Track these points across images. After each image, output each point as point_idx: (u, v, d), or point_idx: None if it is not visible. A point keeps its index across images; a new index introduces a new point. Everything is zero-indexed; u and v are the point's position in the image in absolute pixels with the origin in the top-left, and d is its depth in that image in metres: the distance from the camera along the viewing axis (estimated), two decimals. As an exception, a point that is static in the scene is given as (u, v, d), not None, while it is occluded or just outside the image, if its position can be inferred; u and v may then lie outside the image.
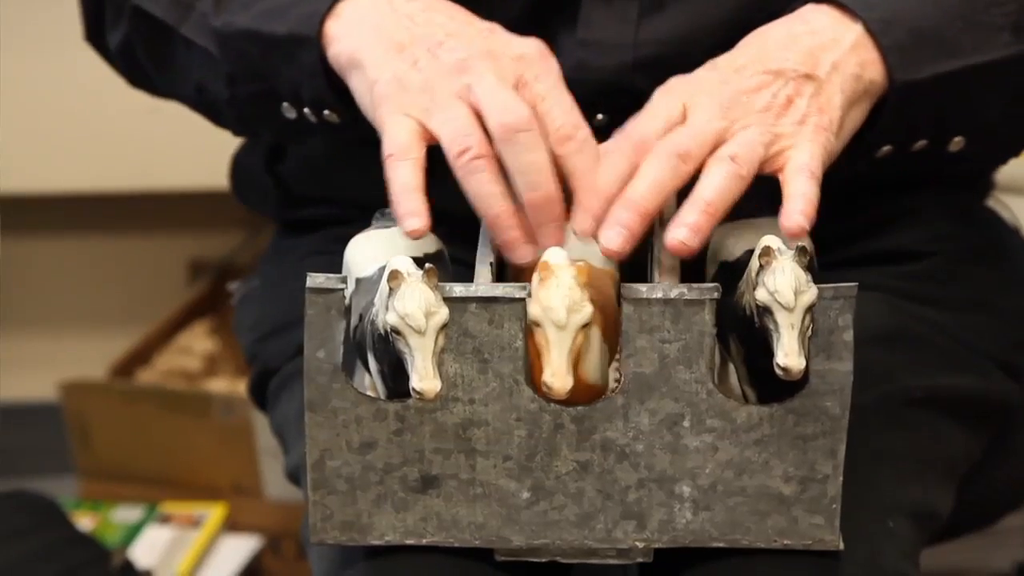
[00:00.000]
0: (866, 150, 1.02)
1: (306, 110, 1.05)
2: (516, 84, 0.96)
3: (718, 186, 0.93)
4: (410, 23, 1.00)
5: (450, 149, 0.93)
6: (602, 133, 1.09)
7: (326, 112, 1.04)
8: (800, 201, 0.92)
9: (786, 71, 0.97)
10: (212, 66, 1.09)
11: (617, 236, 0.92)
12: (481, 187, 0.93)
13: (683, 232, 0.91)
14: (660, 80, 1.02)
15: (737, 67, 0.98)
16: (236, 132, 1.22)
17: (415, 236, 0.92)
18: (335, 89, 1.02)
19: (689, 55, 1.03)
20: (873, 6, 1.00)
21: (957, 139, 1.04)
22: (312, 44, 1.01)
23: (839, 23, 1.00)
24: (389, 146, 0.95)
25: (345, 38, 1.00)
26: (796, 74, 0.97)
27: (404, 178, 0.93)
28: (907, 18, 1.00)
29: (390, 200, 0.94)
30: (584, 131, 0.95)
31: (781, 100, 0.96)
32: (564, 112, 0.95)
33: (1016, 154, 1.22)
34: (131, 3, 1.13)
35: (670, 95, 0.98)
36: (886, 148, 1.02)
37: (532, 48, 0.98)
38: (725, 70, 0.98)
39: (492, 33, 1.00)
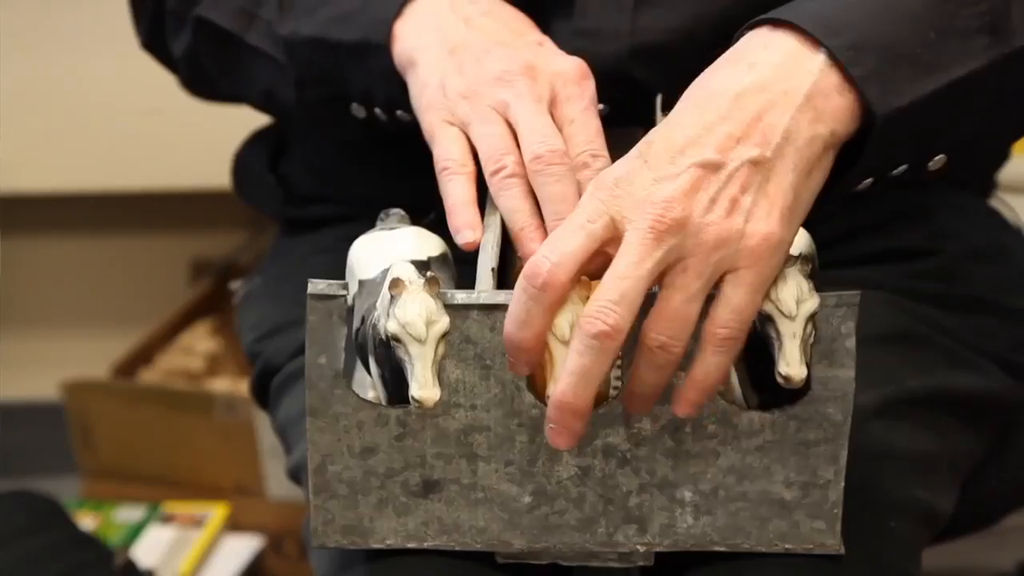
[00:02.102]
0: (844, 187, 0.94)
1: (377, 110, 1.07)
2: (551, 101, 0.97)
3: (646, 381, 0.86)
4: (465, 27, 1.01)
5: (486, 164, 0.95)
6: (603, 123, 1.08)
7: (399, 112, 1.06)
8: (694, 391, 0.85)
9: (728, 163, 0.85)
10: (279, 72, 1.10)
11: (560, 437, 0.85)
12: (510, 202, 0.94)
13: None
14: (659, 69, 1.02)
15: (673, 153, 0.86)
16: (304, 131, 1.23)
17: (469, 248, 0.94)
18: (406, 90, 1.03)
19: (688, 43, 1.03)
20: (837, 30, 0.89)
21: (938, 157, 0.96)
22: (383, 51, 1.03)
23: (796, 58, 0.89)
24: (443, 159, 0.97)
25: (407, 38, 1.02)
26: (740, 163, 0.85)
27: (459, 192, 0.96)
28: (876, 38, 0.90)
29: (445, 211, 0.96)
30: (602, 160, 0.95)
31: (724, 206, 0.85)
32: (587, 139, 0.96)
33: (998, 162, 1.22)
34: (194, 13, 1.15)
35: (595, 204, 0.86)
36: (866, 182, 0.95)
37: (572, 67, 0.99)
38: (659, 160, 0.86)
39: (540, 47, 1.01)
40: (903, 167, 0.95)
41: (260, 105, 1.19)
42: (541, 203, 0.94)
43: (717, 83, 0.89)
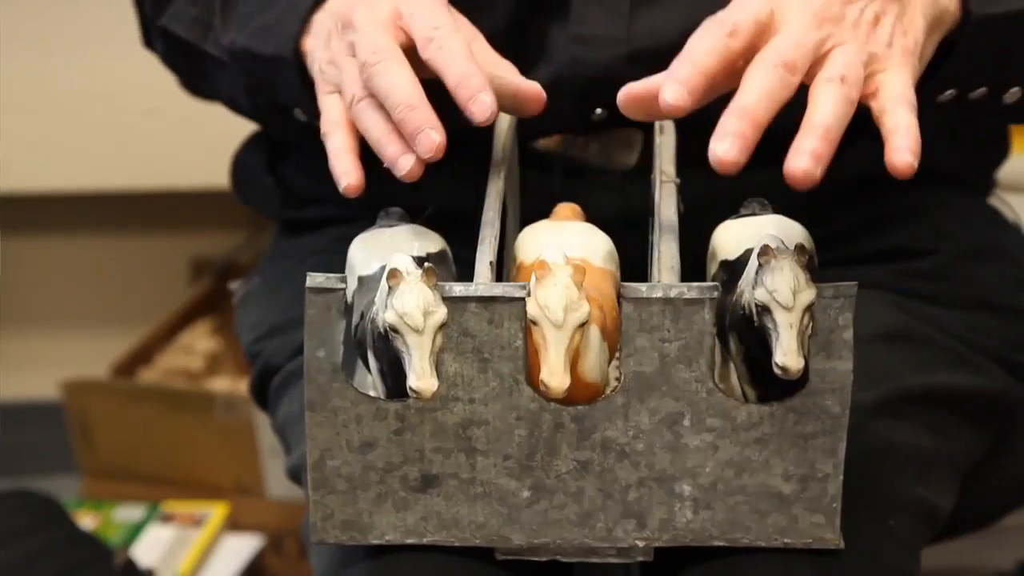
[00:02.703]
0: (931, 91, 0.99)
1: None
2: (392, 16, 0.96)
3: (834, 111, 0.88)
4: (339, 15, 1.00)
5: (347, 105, 0.96)
6: (602, 127, 1.09)
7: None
8: (905, 136, 0.88)
9: None
10: (233, 79, 1.12)
11: (732, 146, 0.87)
12: (364, 123, 0.95)
13: (804, 160, 0.87)
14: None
15: None
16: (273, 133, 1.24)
17: (349, 193, 0.94)
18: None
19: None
20: None
21: (1015, 89, 1.02)
22: (290, 64, 1.03)
23: None
24: (322, 125, 0.97)
25: (311, 52, 1.03)
26: None
27: (335, 144, 0.96)
28: None
29: (330, 172, 0.96)
30: (443, 29, 0.95)
31: (869, 17, 0.93)
32: (422, 20, 0.95)
33: (998, 160, 1.22)
34: (159, 24, 1.17)
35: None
36: (949, 92, 1.01)
37: None
38: None
39: None
40: (983, 90, 1.02)
41: (232, 109, 1.20)
42: (382, 99, 0.94)
43: None
